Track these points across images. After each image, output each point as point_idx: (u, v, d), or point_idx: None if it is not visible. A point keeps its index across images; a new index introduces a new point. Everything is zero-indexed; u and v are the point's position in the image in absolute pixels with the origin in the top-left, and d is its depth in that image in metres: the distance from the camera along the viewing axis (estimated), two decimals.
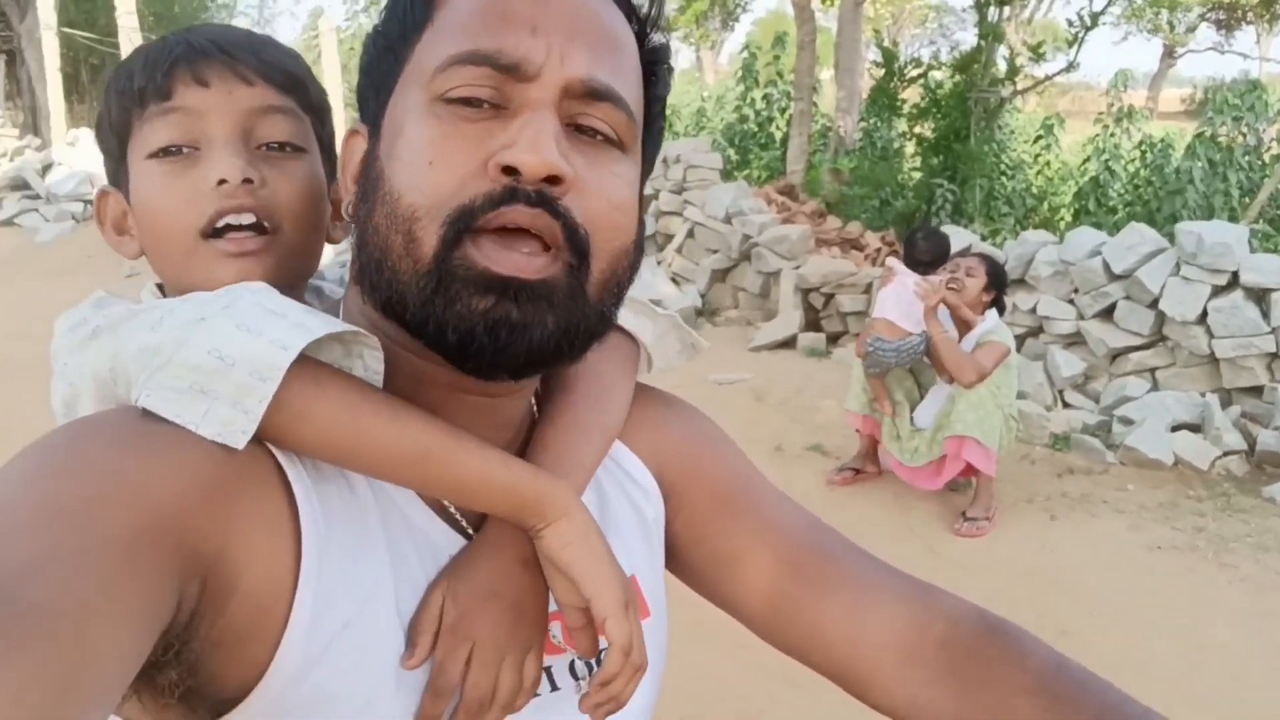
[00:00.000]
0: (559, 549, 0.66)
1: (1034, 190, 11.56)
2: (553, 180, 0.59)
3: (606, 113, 0.63)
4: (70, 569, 0.47)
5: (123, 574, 0.49)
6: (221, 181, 0.76)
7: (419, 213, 0.60)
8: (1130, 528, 4.44)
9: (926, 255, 4.67)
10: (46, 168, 13.65)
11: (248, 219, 0.76)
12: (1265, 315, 5.38)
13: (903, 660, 0.75)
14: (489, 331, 0.59)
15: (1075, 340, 6.20)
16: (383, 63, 0.66)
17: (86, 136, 14.49)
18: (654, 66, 0.70)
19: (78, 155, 13.74)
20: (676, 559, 0.84)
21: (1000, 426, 4.34)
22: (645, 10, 0.69)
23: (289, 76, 0.81)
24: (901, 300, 4.51)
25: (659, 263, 8.98)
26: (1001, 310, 4.52)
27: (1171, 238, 5.97)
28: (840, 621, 0.77)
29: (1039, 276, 6.32)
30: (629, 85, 0.66)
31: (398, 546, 0.65)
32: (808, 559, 0.79)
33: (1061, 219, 11.07)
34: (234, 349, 0.56)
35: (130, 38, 14.58)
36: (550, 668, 0.70)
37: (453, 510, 0.69)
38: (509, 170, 0.59)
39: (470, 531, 0.69)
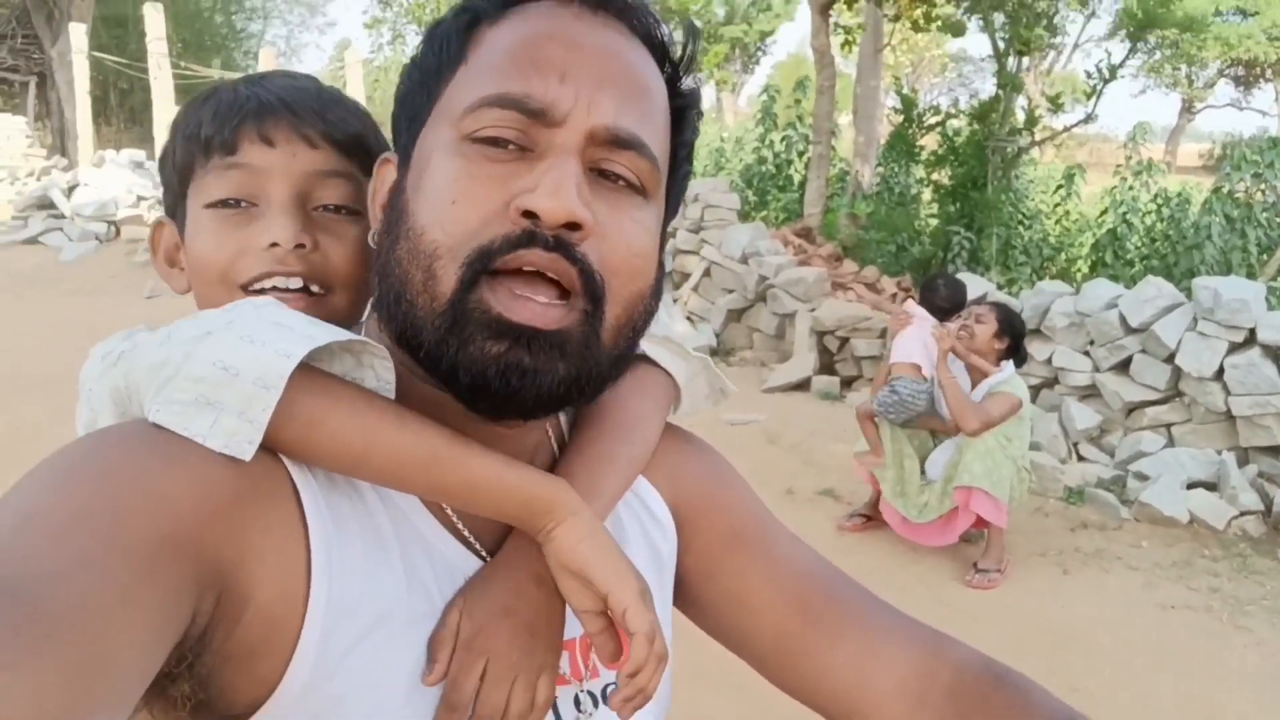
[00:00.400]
0: (572, 547, 0.65)
1: (1051, 241, 11.57)
2: (572, 226, 0.60)
3: (630, 160, 0.64)
4: (91, 576, 0.48)
5: (142, 583, 0.49)
6: (273, 245, 0.77)
7: (440, 250, 0.61)
8: (1144, 585, 4.39)
9: (945, 302, 4.68)
10: (72, 188, 13.81)
11: (295, 283, 0.77)
12: None
13: (909, 707, 0.75)
14: (500, 376, 0.60)
15: (1091, 393, 6.17)
16: (417, 95, 0.68)
17: (112, 158, 14.68)
18: (684, 112, 0.71)
19: (103, 177, 13.90)
20: (685, 595, 0.84)
21: (1011, 478, 4.30)
22: (678, 55, 0.70)
23: (352, 138, 0.82)
24: (928, 346, 4.52)
25: (675, 300, 9.00)
26: (1020, 361, 4.50)
27: (1188, 292, 5.96)
28: (848, 666, 0.76)
29: (1054, 327, 6.30)
30: (656, 131, 0.66)
31: (412, 563, 0.65)
32: (817, 601, 0.79)
33: (1078, 270, 11.06)
34: (238, 360, 0.57)
35: (159, 63, 14.81)
36: (555, 699, 0.70)
37: (464, 530, 0.69)
38: (529, 214, 0.59)
39: (481, 549, 0.69)
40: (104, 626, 0.46)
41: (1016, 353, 4.45)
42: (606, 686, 0.71)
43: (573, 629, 0.71)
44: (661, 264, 0.70)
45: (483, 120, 0.61)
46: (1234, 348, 5.51)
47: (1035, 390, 6.50)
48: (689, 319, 8.83)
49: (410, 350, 0.64)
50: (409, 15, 14.29)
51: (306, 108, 0.81)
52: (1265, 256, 9.64)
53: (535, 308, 0.60)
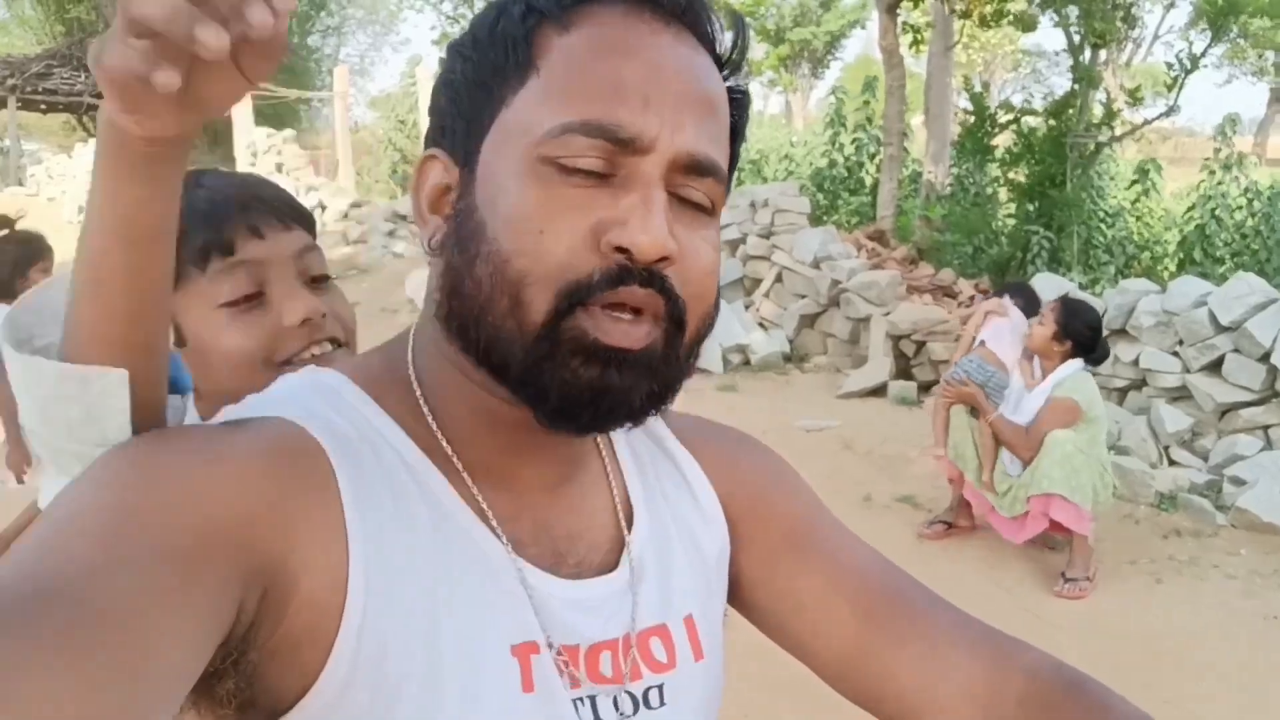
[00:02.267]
0: None
1: (1135, 238, 11.22)
2: (663, 260, 0.61)
3: (708, 186, 0.65)
4: (137, 574, 0.49)
5: (187, 582, 0.50)
6: (306, 320, 0.88)
7: (529, 279, 0.61)
8: (1243, 594, 4.21)
9: (1023, 308, 4.73)
10: None
11: (328, 347, 0.90)
12: None
13: (979, 715, 0.72)
14: (593, 399, 0.62)
15: (1181, 394, 5.96)
16: (474, 94, 0.65)
17: None
18: (737, 121, 0.71)
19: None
20: (741, 596, 0.82)
21: (1093, 483, 4.17)
22: (730, 54, 0.69)
23: (303, 213, 0.95)
24: (1015, 338, 4.55)
25: (747, 307, 8.94)
26: (1098, 359, 4.37)
27: None
28: (914, 672, 0.74)
29: (1141, 327, 6.10)
30: (723, 149, 0.67)
31: (448, 553, 0.64)
32: (880, 604, 0.77)
33: (1165, 269, 10.71)
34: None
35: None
36: (595, 699, 0.68)
37: (502, 528, 0.67)
38: (622, 249, 0.60)
39: (518, 546, 0.67)
40: (150, 626, 0.47)
41: (1090, 351, 4.30)
42: (648, 689, 0.70)
43: (613, 629, 0.70)
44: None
45: (569, 148, 0.61)
46: None
47: (1122, 392, 6.30)
48: (761, 325, 8.77)
49: (491, 367, 0.64)
50: None
51: (268, 197, 0.93)
52: None
53: (626, 328, 0.61)
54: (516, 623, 0.65)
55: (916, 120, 14.65)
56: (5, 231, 3.82)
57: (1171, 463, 5.68)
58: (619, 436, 0.79)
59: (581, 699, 0.67)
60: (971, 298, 8.02)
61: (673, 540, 0.77)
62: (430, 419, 0.68)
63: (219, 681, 0.57)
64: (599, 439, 0.77)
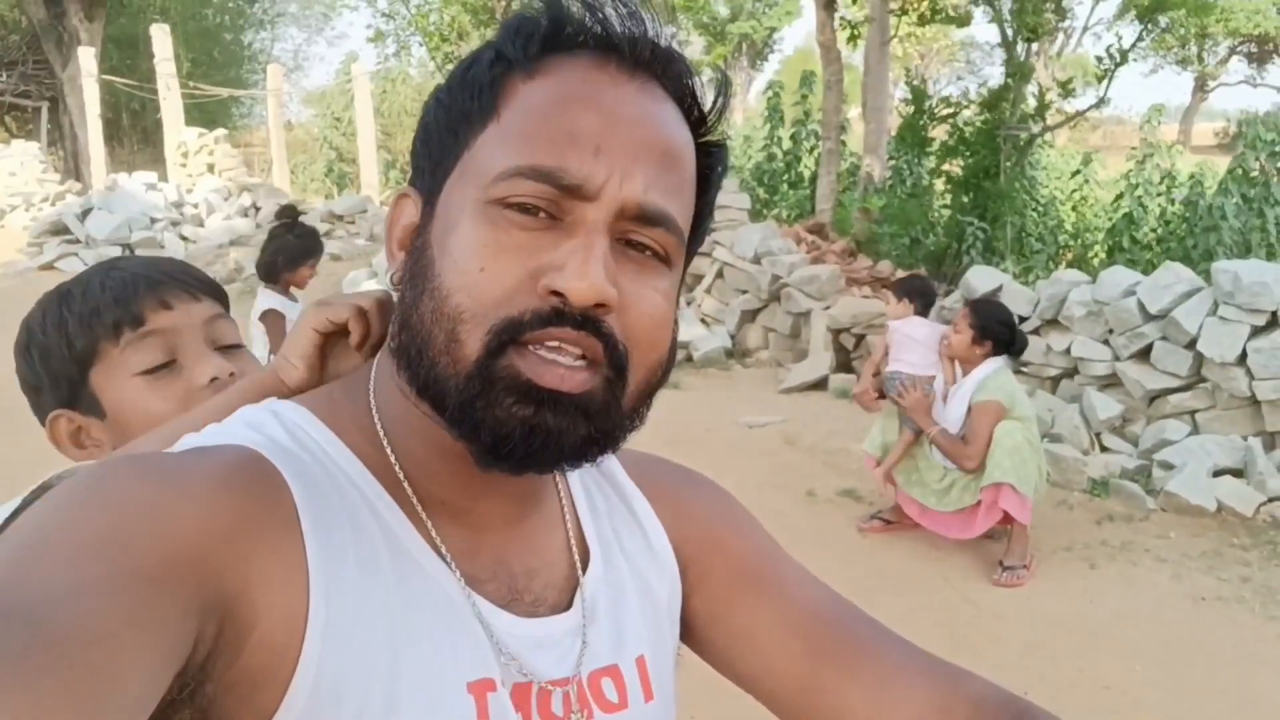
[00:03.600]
0: None
1: (1067, 228, 11.46)
2: (599, 306, 0.61)
3: (658, 235, 0.65)
4: (98, 599, 0.49)
5: (148, 607, 0.50)
6: (214, 379, 0.96)
7: (465, 316, 0.62)
8: (1173, 578, 4.33)
9: (924, 299, 4.84)
10: (86, 212, 13.93)
11: None
12: None
13: None
14: (524, 438, 0.62)
15: (1111, 382, 6.11)
16: (444, 138, 0.68)
17: (125, 181, 14.78)
18: (709, 172, 0.71)
19: (117, 200, 14.01)
20: (695, 636, 0.83)
21: (1035, 472, 4.27)
22: (704, 111, 0.69)
23: (213, 285, 1.04)
24: (925, 345, 4.66)
25: (688, 304, 8.97)
26: (1017, 351, 4.49)
27: (1207, 276, 5.88)
28: (866, 704, 0.76)
29: (1072, 317, 6.24)
30: (683, 202, 0.67)
31: (406, 588, 0.65)
32: (831, 638, 0.78)
33: (1095, 256, 10.96)
34: None
35: (168, 84, 14.90)
36: None
37: (442, 550, 0.68)
38: (557, 293, 0.61)
39: (475, 583, 0.68)
40: (111, 651, 0.47)
41: (1010, 346, 4.40)
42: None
43: (566, 668, 0.70)
44: (676, 323, 0.70)
45: (515, 189, 0.62)
46: (1256, 331, 5.44)
47: (1055, 381, 6.44)
48: (703, 322, 8.80)
49: (430, 401, 0.65)
50: (412, 26, 14.30)
51: (177, 272, 1.02)
52: None
53: (561, 371, 0.62)
54: (473, 660, 0.65)
55: (853, 113, 14.80)
56: (288, 221, 4.14)
57: (1103, 449, 5.82)
58: (573, 476, 0.79)
59: None
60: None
61: (625, 581, 0.78)
62: (390, 452, 0.68)
63: (175, 712, 0.57)
64: (556, 478, 0.78)
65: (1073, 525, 4.89)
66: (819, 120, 11.58)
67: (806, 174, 12.72)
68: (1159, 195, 10.70)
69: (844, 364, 7.49)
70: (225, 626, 0.56)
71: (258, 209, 14.73)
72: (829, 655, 0.77)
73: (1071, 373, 6.31)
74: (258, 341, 3.84)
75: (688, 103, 0.69)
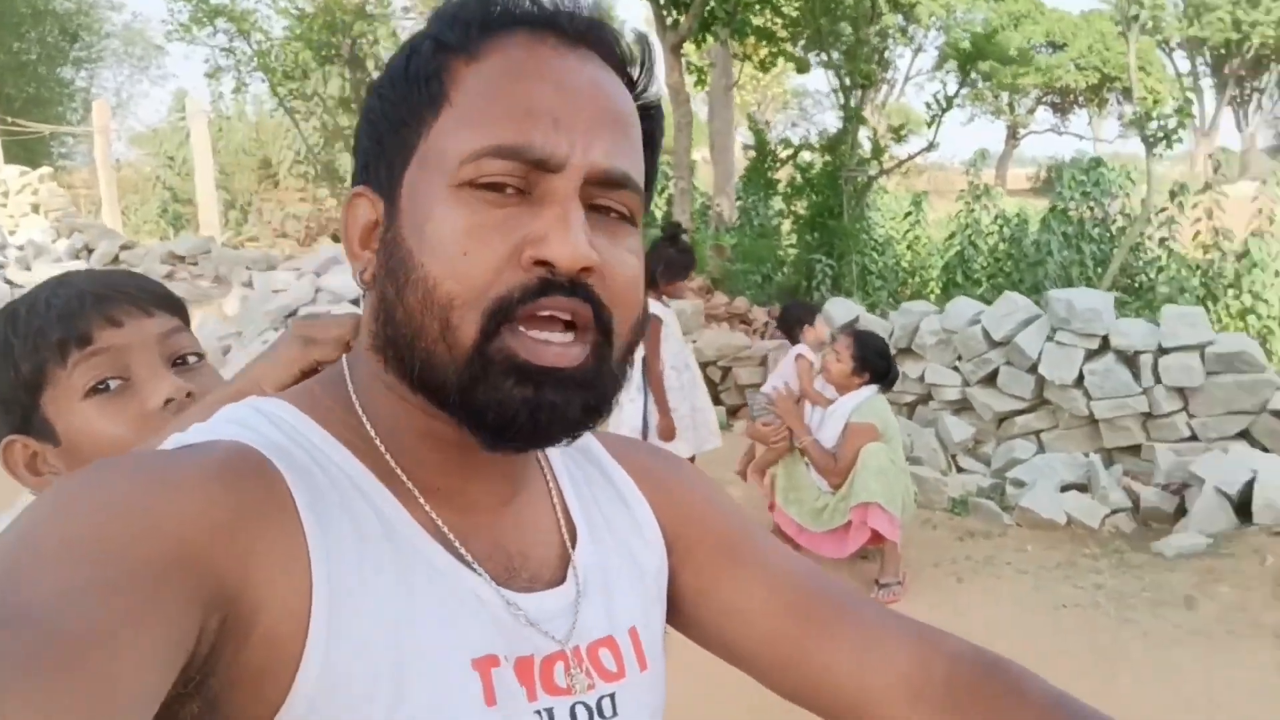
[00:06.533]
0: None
1: (904, 265, 12.08)
2: (584, 270, 0.63)
3: (623, 197, 0.67)
4: (98, 599, 0.48)
5: (149, 605, 0.50)
6: (168, 400, 0.90)
7: (456, 302, 0.62)
8: (1034, 588, 4.56)
9: (796, 324, 5.20)
10: None
11: None
12: (1136, 377, 5.70)
13: (910, 699, 0.77)
14: (530, 417, 0.63)
15: (963, 406, 6.44)
16: (393, 132, 0.68)
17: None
18: (651, 134, 0.73)
19: None
20: (682, 613, 0.85)
21: (903, 492, 4.45)
22: (637, 73, 0.72)
23: (168, 297, 0.99)
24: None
25: None
26: (891, 383, 4.71)
27: (1043, 304, 6.30)
28: (848, 664, 0.79)
29: (924, 345, 6.56)
30: (638, 161, 0.69)
31: (407, 570, 0.65)
32: (814, 604, 0.81)
33: (932, 291, 11.59)
34: None
35: None
36: (552, 710, 0.70)
37: (456, 544, 0.69)
38: (542, 262, 0.62)
39: (472, 562, 0.68)
40: (115, 649, 0.47)
41: (884, 377, 4.61)
42: (601, 699, 0.72)
43: (564, 641, 0.72)
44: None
45: (483, 170, 0.63)
46: (1090, 355, 5.85)
47: (912, 406, 6.73)
48: None
49: (428, 391, 0.65)
50: (254, 61, 13.84)
51: (128, 286, 0.96)
52: (1100, 270, 10.32)
53: (556, 349, 0.63)
54: (476, 637, 0.66)
55: (699, 155, 15.21)
56: (671, 235, 4.53)
57: (959, 469, 6.12)
58: (555, 456, 0.81)
59: (540, 711, 0.68)
60: (766, 324, 8.37)
61: (613, 555, 0.79)
62: (378, 441, 0.69)
63: (181, 707, 0.57)
64: (540, 458, 0.80)
65: (938, 543, 5.09)
66: (668, 161, 11.85)
67: (658, 214, 12.96)
68: (990, 234, 11.44)
69: (712, 396, 7.60)
70: (228, 620, 0.56)
71: (90, 251, 13.85)
72: (813, 620, 0.80)
73: (926, 398, 6.62)
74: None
75: (624, 69, 0.71)
